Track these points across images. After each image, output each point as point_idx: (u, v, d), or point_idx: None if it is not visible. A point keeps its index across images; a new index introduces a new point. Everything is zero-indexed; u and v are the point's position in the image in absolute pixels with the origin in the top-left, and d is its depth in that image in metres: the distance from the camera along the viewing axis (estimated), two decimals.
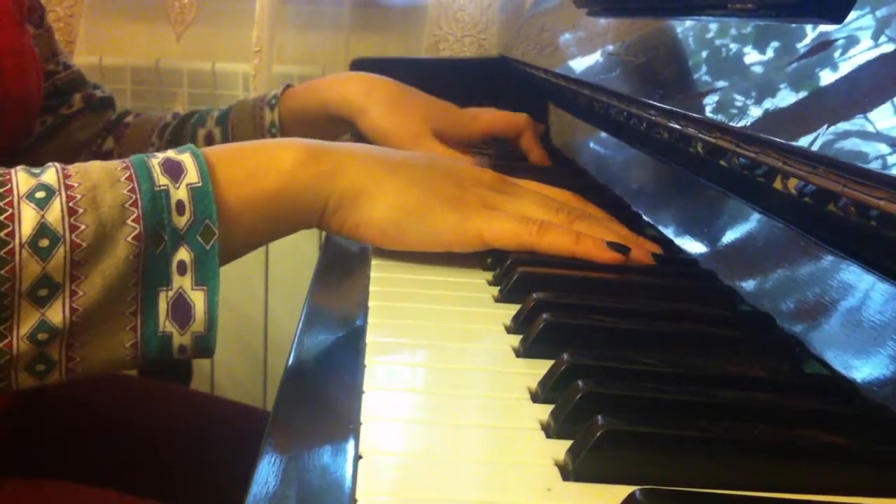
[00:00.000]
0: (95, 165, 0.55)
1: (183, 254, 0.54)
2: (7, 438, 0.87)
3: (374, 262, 0.66)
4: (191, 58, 1.73)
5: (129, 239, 0.52)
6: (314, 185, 0.60)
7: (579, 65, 1.07)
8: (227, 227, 0.56)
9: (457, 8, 1.67)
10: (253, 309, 1.83)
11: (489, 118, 1.04)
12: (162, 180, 0.54)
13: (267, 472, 0.40)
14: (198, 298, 0.54)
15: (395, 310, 0.57)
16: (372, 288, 0.60)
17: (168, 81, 1.75)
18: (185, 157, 0.56)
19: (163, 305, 0.54)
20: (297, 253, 1.76)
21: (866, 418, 0.42)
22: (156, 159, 0.56)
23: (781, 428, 0.40)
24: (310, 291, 0.64)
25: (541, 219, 0.64)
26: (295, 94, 0.99)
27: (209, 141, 0.99)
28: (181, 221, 0.54)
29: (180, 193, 0.54)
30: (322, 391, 0.49)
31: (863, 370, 0.45)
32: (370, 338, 0.51)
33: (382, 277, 0.62)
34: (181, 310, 0.54)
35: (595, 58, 1.02)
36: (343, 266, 0.71)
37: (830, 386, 0.46)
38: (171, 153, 0.57)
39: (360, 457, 0.38)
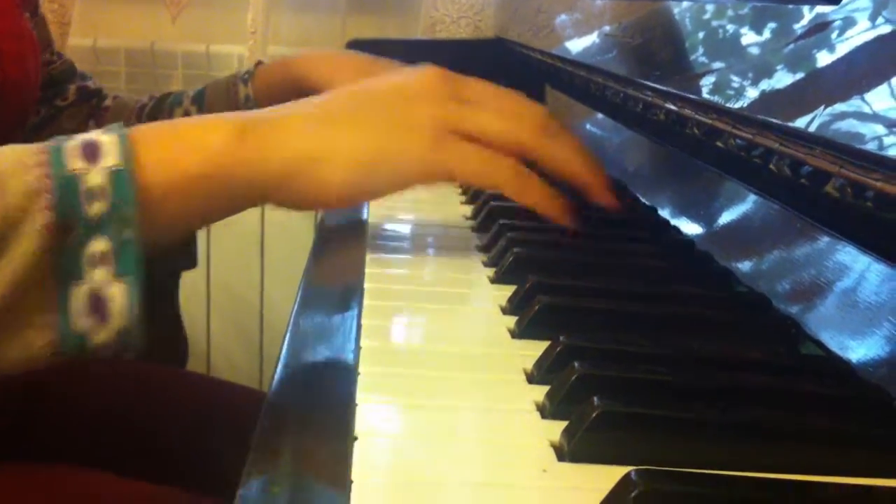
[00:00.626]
0: (7, 150, 0.50)
1: (99, 243, 0.49)
2: (5, 423, 0.87)
3: (370, 242, 0.66)
4: (186, 40, 1.73)
5: (38, 228, 0.48)
6: (248, 163, 0.55)
7: (576, 46, 1.07)
8: (151, 212, 0.51)
9: None
10: (249, 290, 1.83)
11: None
12: (76, 164, 0.50)
13: (262, 454, 0.40)
14: (117, 291, 0.49)
15: (390, 291, 0.57)
16: (367, 269, 0.60)
17: (163, 63, 1.74)
18: (108, 138, 0.52)
19: (76, 300, 0.49)
20: (293, 234, 1.75)
21: (862, 400, 0.42)
22: (75, 141, 0.51)
23: (777, 409, 0.40)
24: (305, 272, 0.64)
25: (506, 145, 0.59)
26: (268, 70, 0.99)
27: None
28: (96, 208, 0.49)
29: (97, 177, 0.50)
30: (317, 373, 0.49)
31: (858, 351, 0.45)
32: (365, 320, 0.51)
33: (378, 259, 0.62)
34: (99, 304, 0.49)
35: (592, 39, 1.02)
36: (338, 247, 0.71)
37: (826, 367, 0.46)
38: (94, 133, 0.52)
39: (356, 438, 0.38)
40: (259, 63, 1.01)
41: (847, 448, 0.39)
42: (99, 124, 1.02)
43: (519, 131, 0.61)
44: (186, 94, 1.02)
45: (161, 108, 1.01)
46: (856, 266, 0.48)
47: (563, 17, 1.20)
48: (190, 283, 1.28)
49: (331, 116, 0.58)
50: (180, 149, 0.54)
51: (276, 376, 0.48)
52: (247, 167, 0.55)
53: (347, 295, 0.57)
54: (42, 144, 0.51)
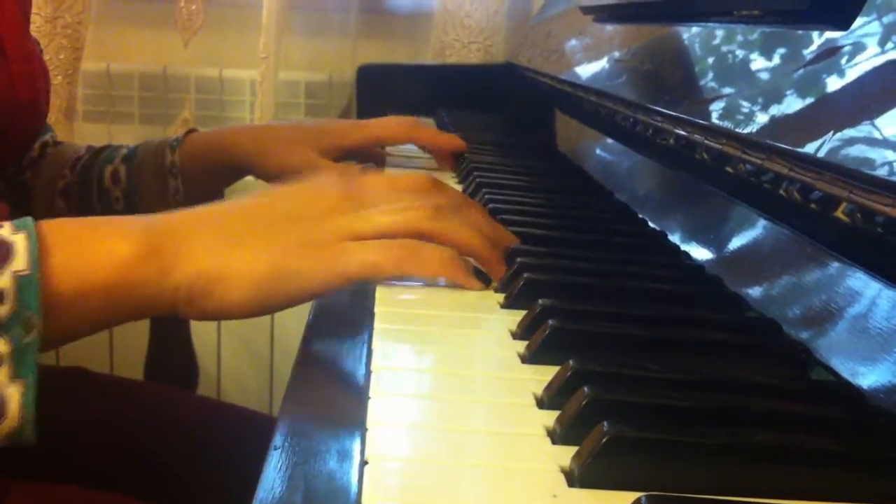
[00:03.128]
0: None
1: (0, 345, 0.51)
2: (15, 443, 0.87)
3: None
4: (198, 64, 1.74)
5: None
6: (154, 281, 0.56)
7: (585, 71, 1.07)
8: (55, 317, 0.53)
9: (463, 14, 1.67)
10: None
11: (374, 124, 1.06)
12: None
13: (273, 478, 0.40)
14: (13, 392, 0.51)
15: (400, 315, 0.57)
16: (378, 293, 0.60)
17: (175, 88, 1.75)
18: (18, 238, 0.53)
19: None
20: None
21: (873, 425, 0.42)
22: None
23: (787, 434, 0.40)
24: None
25: (402, 235, 0.61)
26: (196, 140, 1.01)
27: (115, 179, 1.00)
28: (1, 311, 0.51)
29: (3, 281, 0.51)
30: (328, 397, 0.50)
31: (869, 377, 0.45)
32: (376, 343, 0.51)
33: (388, 283, 0.62)
34: None
35: (601, 64, 1.02)
36: None
37: (837, 393, 0.46)
38: (6, 230, 0.54)
39: (367, 462, 0.38)
40: (191, 131, 1.03)
41: (859, 474, 0.39)
42: (35, 174, 1.02)
43: (413, 220, 0.62)
44: (119, 153, 1.02)
45: (94, 164, 1.02)
46: (866, 291, 0.48)
47: (573, 42, 1.20)
48: None
49: (231, 234, 0.59)
50: (88, 258, 0.55)
51: (286, 400, 0.48)
52: (152, 284, 0.56)
53: (358, 319, 0.57)
54: None
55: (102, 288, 0.55)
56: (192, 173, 1.00)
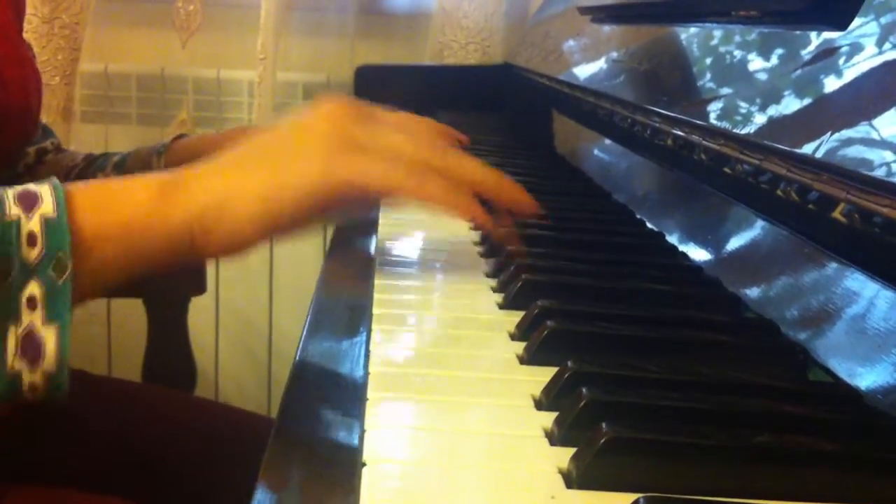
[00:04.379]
0: None
1: (33, 288, 0.52)
2: (9, 446, 0.87)
3: (378, 269, 0.66)
4: (196, 65, 1.74)
5: None
6: (169, 215, 0.57)
7: (583, 71, 1.07)
8: (82, 259, 0.54)
9: (461, 15, 1.67)
10: (257, 316, 1.83)
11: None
12: (13, 210, 0.53)
13: (271, 480, 0.40)
14: (49, 335, 0.52)
15: (399, 317, 0.57)
16: (376, 295, 0.60)
17: (173, 88, 1.75)
18: (43, 189, 0.55)
19: (11, 342, 0.51)
20: (301, 259, 1.76)
21: (871, 426, 0.42)
22: (13, 190, 0.54)
23: (785, 436, 0.40)
24: (314, 298, 0.64)
25: (413, 160, 0.60)
26: (181, 146, 1.00)
27: None
28: (32, 254, 0.52)
29: (33, 224, 0.52)
30: (326, 398, 0.49)
31: (867, 378, 0.45)
32: (374, 345, 0.51)
33: (386, 285, 0.62)
34: (31, 347, 0.51)
35: (599, 65, 1.02)
36: (347, 272, 0.71)
37: (835, 393, 0.46)
38: (31, 184, 0.55)
39: (364, 464, 0.38)
40: (178, 137, 1.02)
41: (856, 475, 0.39)
42: (32, 180, 1.02)
43: (416, 144, 0.61)
44: (111, 160, 1.02)
45: (86, 174, 1.01)
46: (864, 292, 0.48)
47: (571, 42, 1.20)
48: (199, 308, 1.28)
49: (234, 163, 0.60)
50: (109, 202, 0.57)
51: (285, 402, 0.48)
52: (167, 218, 0.57)
53: (356, 320, 0.57)
54: None
55: (125, 225, 0.56)
56: None
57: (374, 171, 0.58)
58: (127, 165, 1.00)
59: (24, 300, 0.51)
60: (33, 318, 0.51)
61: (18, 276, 0.51)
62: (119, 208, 0.56)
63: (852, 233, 0.48)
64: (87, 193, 0.56)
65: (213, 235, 0.57)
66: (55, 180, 0.55)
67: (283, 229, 0.59)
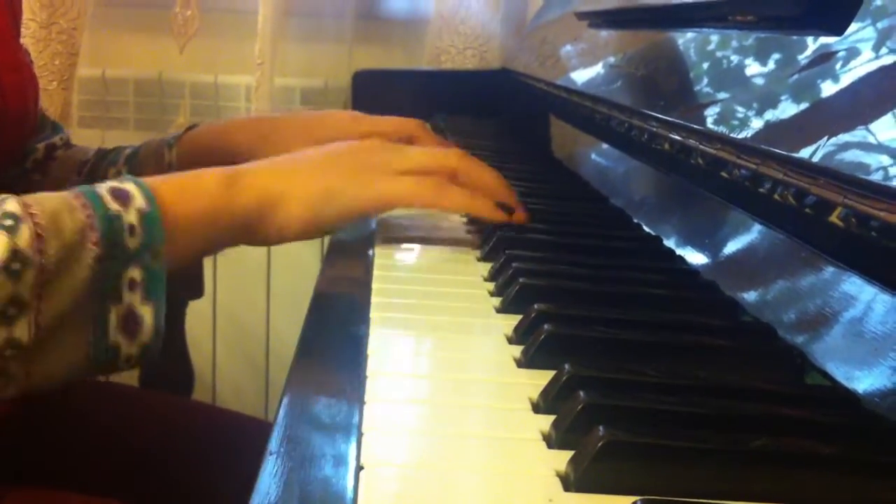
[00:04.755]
0: (47, 196, 0.60)
1: (134, 272, 0.59)
2: (8, 448, 0.87)
3: (376, 273, 0.66)
4: (193, 70, 1.74)
5: (90, 260, 0.57)
6: (234, 202, 0.67)
7: (581, 76, 1.07)
8: (171, 246, 0.62)
9: (459, 21, 1.68)
10: (254, 319, 1.83)
11: (375, 123, 1.02)
12: (114, 206, 0.60)
13: (268, 483, 0.40)
14: (146, 312, 0.59)
15: (396, 321, 0.57)
16: (374, 299, 0.60)
17: (171, 93, 1.75)
18: (129, 186, 0.62)
19: (113, 319, 0.59)
20: (299, 263, 1.76)
21: (868, 429, 0.42)
22: (103, 188, 0.61)
23: (783, 439, 0.40)
24: (312, 302, 0.64)
25: (436, 176, 0.72)
26: (192, 137, 0.99)
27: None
28: (133, 243, 0.59)
29: (131, 218, 0.60)
30: (323, 402, 0.49)
31: (865, 381, 0.45)
32: (372, 349, 0.51)
33: (384, 289, 0.62)
34: (131, 323, 0.59)
35: (596, 70, 1.02)
36: (345, 276, 0.71)
37: (832, 397, 0.46)
38: (113, 183, 0.62)
39: (362, 467, 0.38)
40: (190, 127, 1.01)
41: (854, 478, 0.39)
42: (45, 176, 1.02)
43: (443, 158, 0.75)
44: (123, 153, 1.02)
45: (99, 168, 1.00)
46: (861, 296, 0.48)
47: (569, 47, 1.21)
48: (196, 313, 1.28)
49: (291, 165, 0.72)
50: (188, 193, 0.66)
51: (282, 405, 0.48)
52: (232, 205, 0.67)
53: (354, 324, 0.57)
54: (74, 190, 0.61)
55: (202, 216, 0.65)
56: (189, 169, 0.99)
57: (407, 189, 0.71)
58: (139, 158, 1.00)
59: (126, 283, 0.59)
60: (133, 299, 0.59)
61: (122, 262, 0.59)
62: (196, 198, 0.65)
63: (849, 237, 0.48)
64: (168, 187, 0.64)
65: (267, 225, 0.68)
66: (135, 178, 0.63)
67: (323, 228, 0.72)
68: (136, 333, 0.59)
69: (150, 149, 1.00)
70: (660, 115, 0.75)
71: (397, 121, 1.03)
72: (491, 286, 0.65)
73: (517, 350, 0.52)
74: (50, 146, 1.02)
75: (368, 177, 0.71)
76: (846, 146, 0.48)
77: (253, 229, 0.68)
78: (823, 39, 0.54)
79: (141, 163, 1.00)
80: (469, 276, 0.67)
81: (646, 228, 0.78)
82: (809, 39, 0.56)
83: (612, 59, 0.98)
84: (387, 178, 0.71)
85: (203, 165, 0.94)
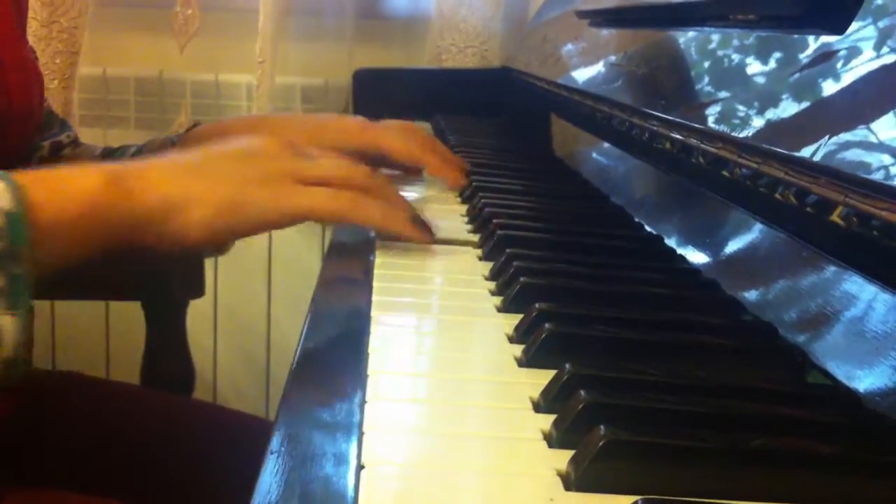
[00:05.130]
0: None
1: None
2: (8, 448, 0.87)
3: (377, 272, 0.66)
4: (194, 69, 1.74)
5: None
6: (119, 206, 0.61)
7: (582, 75, 1.07)
8: (41, 247, 0.57)
9: (459, 19, 1.68)
10: (255, 318, 1.83)
11: (379, 132, 0.96)
12: None
13: (269, 482, 0.40)
14: (8, 324, 0.54)
15: (397, 320, 0.57)
16: (375, 298, 0.60)
17: (171, 92, 1.75)
18: None
19: None
20: (300, 261, 1.76)
21: (870, 429, 0.42)
22: None
23: (784, 438, 0.40)
24: (313, 301, 0.64)
25: (348, 189, 0.67)
26: (195, 134, 0.98)
27: None
28: None
29: None
30: (325, 401, 0.49)
31: (866, 380, 0.45)
32: (373, 348, 0.51)
33: (385, 287, 0.62)
34: None
35: (597, 68, 1.02)
36: (346, 275, 0.71)
37: (833, 396, 0.46)
38: None
39: (363, 467, 0.38)
40: (195, 124, 1.01)
41: (855, 477, 0.39)
42: None
43: (354, 171, 0.70)
44: (128, 151, 1.01)
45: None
46: (862, 295, 0.48)
47: (570, 46, 1.20)
48: (197, 311, 1.28)
49: (191, 168, 0.66)
50: (61, 193, 0.60)
51: (283, 404, 0.48)
52: (117, 209, 0.61)
53: (354, 323, 0.57)
54: None
55: (78, 215, 0.59)
56: None
57: (322, 202, 0.66)
58: (143, 155, 0.99)
59: None
60: None
61: None
62: (72, 198, 0.59)
63: (850, 236, 0.48)
64: (40, 185, 0.59)
65: (161, 231, 0.63)
66: (4, 174, 0.57)
67: (227, 239, 0.68)
68: None
69: (155, 146, 1.00)
70: (661, 114, 0.75)
71: (401, 136, 0.97)
72: (492, 285, 0.65)
73: (518, 349, 0.52)
74: (56, 144, 1.01)
75: (279, 187, 0.66)
76: (847, 145, 0.48)
77: (143, 232, 0.62)
78: (824, 38, 0.54)
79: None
80: (470, 275, 0.67)
81: (647, 228, 0.78)
82: (810, 38, 0.56)
83: (612, 58, 0.98)
84: (298, 189, 0.66)
85: None
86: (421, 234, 0.70)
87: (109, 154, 1.02)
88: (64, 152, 1.03)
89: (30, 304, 0.55)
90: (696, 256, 0.68)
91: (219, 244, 0.67)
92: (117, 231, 0.62)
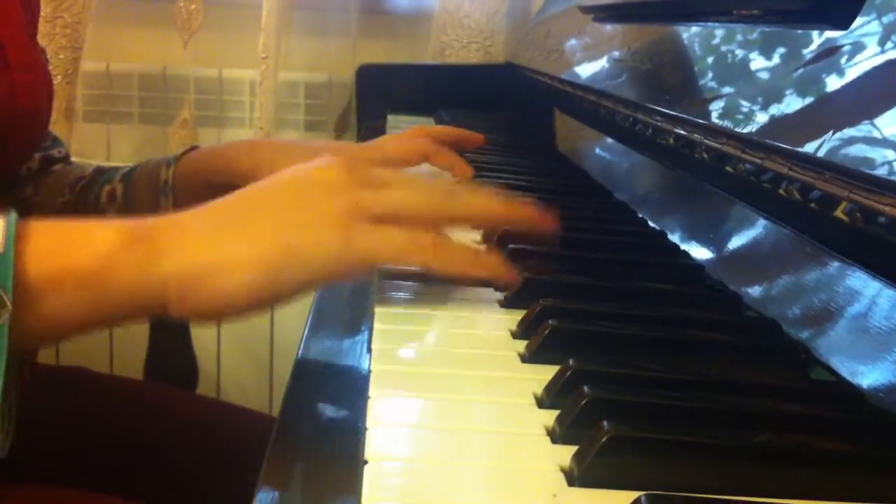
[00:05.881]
0: None
1: None
2: (11, 444, 0.87)
3: (379, 266, 0.66)
4: (198, 64, 1.74)
5: None
6: (137, 271, 0.50)
7: (585, 71, 1.07)
8: (29, 303, 0.48)
9: (463, 14, 1.67)
10: (259, 314, 1.83)
11: (385, 146, 0.93)
12: None
13: (272, 478, 0.40)
14: None
15: (400, 315, 0.57)
16: (377, 293, 0.60)
17: (175, 88, 1.75)
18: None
19: None
20: None
21: (873, 425, 0.42)
22: None
23: (787, 434, 0.40)
24: (315, 296, 0.64)
25: (420, 217, 0.56)
26: (194, 157, 0.96)
27: (111, 197, 0.97)
28: None
29: None
30: (328, 396, 0.50)
31: (869, 376, 0.45)
32: (376, 343, 0.51)
33: (388, 283, 0.62)
34: None
35: (601, 64, 1.02)
36: None
37: (837, 392, 0.46)
38: None
39: (367, 462, 0.38)
40: (193, 148, 0.98)
41: (858, 473, 0.39)
42: (36, 191, 1.00)
43: (429, 199, 0.57)
44: (119, 172, 0.99)
45: (93, 186, 0.98)
46: (866, 291, 0.48)
47: (573, 41, 1.20)
48: None
49: (227, 221, 0.53)
50: (66, 243, 0.51)
51: (286, 400, 0.48)
52: (135, 275, 0.50)
53: (357, 319, 0.58)
54: None
55: (79, 273, 0.49)
56: (184, 191, 0.95)
57: (394, 246, 0.53)
58: (134, 177, 0.98)
59: None
60: None
61: None
62: (77, 251, 0.50)
63: (854, 232, 0.48)
64: (44, 236, 0.50)
65: (193, 302, 0.51)
66: (13, 214, 0.50)
67: (283, 298, 0.53)
68: None
69: (148, 167, 0.98)
70: (664, 110, 0.75)
71: (407, 144, 0.93)
72: None
73: (521, 345, 0.52)
74: (47, 158, 1.00)
75: (338, 228, 0.52)
76: (851, 141, 0.47)
77: (172, 306, 0.51)
78: (829, 33, 0.54)
79: (136, 181, 0.97)
80: None
81: (650, 223, 0.78)
82: (815, 33, 0.56)
83: (616, 54, 0.98)
84: (363, 231, 0.53)
85: (201, 185, 0.90)
86: (509, 276, 0.58)
87: (101, 173, 1.01)
88: (55, 168, 1.02)
89: (4, 357, 0.46)
90: (700, 252, 0.68)
91: (270, 304, 0.53)
92: (133, 297, 0.51)
